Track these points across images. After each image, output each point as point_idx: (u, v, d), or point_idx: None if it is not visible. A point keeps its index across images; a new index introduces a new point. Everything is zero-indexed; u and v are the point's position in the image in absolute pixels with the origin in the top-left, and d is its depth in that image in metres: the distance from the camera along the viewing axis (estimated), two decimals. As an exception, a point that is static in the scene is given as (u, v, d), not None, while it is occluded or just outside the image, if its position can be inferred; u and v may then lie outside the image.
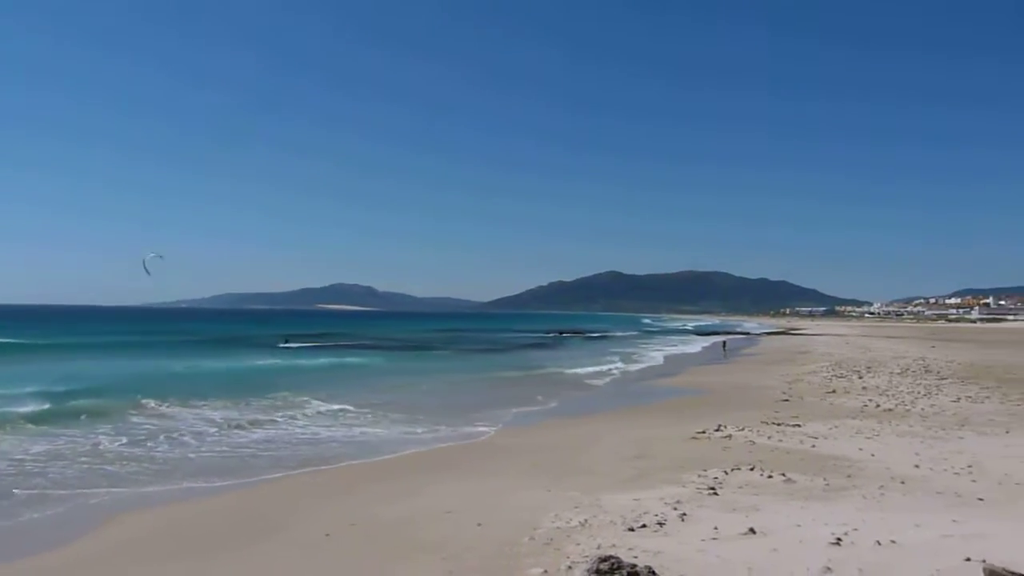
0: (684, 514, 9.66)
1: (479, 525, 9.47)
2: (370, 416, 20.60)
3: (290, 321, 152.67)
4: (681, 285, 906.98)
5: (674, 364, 44.47)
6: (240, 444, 16.43)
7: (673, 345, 70.04)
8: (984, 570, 3.26)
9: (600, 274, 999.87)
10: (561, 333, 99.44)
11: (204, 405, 21.77)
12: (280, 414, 20.61)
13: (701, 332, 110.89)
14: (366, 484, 12.46)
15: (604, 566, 3.37)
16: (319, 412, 21.23)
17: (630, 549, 8.15)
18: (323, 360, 43.32)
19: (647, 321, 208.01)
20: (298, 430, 18.37)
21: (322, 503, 11.09)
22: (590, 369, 38.02)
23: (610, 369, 39.01)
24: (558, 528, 9.20)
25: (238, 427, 18.45)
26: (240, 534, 9.58)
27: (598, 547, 8.22)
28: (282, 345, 60.98)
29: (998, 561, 7.20)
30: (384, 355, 50.30)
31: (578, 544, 8.49)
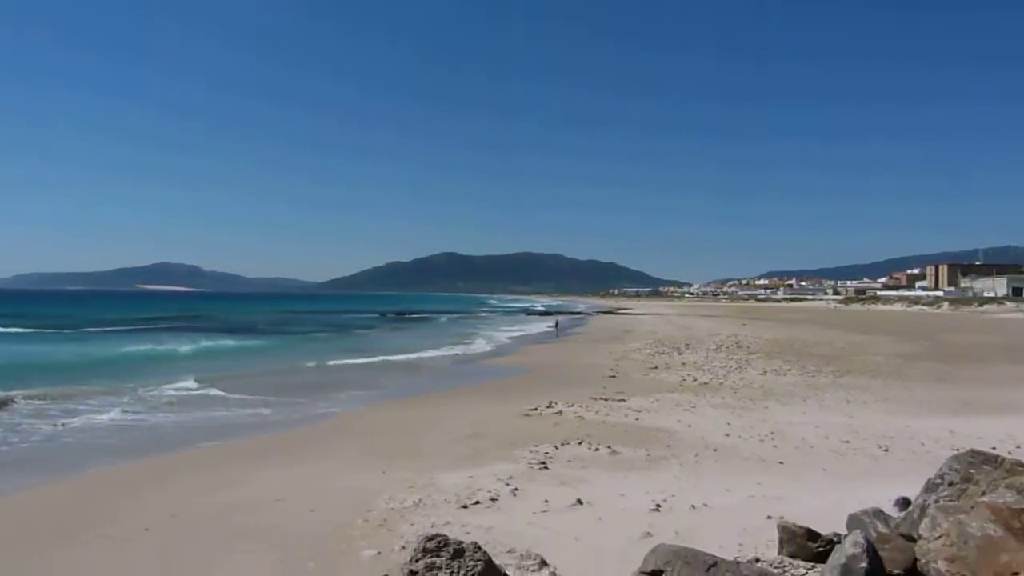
0: (516, 489, 9.95)
1: (311, 511, 9.31)
2: (200, 401, 19.66)
3: (105, 303, 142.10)
4: (516, 266, 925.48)
5: (510, 344, 45.41)
6: (56, 435, 15.16)
7: (510, 325, 71.43)
8: (778, 526, 3.61)
9: (437, 255, 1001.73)
10: (400, 314, 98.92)
11: (16, 394, 19.81)
12: (99, 401, 19.25)
13: (536, 312, 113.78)
14: (191, 473, 11.89)
15: (431, 544, 3.42)
16: (145, 398, 19.99)
17: (463, 526, 8.31)
18: (149, 345, 40.64)
19: (486, 302, 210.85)
20: (122, 417, 17.19)
21: (143, 495, 10.47)
22: (430, 351, 38.07)
23: (449, 350, 39.25)
24: (392, 509, 9.22)
25: (56, 416, 17.02)
26: (48, 533, 8.88)
27: (432, 526, 8.32)
28: None
29: (793, 518, 7.93)
30: (213, 337, 47.90)
31: (412, 524, 8.55)
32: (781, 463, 11.67)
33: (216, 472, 11.89)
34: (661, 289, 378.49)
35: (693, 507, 8.86)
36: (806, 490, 9.71)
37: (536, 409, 17.18)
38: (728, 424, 15.10)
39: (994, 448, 12.22)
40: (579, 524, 8.36)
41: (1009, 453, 11.82)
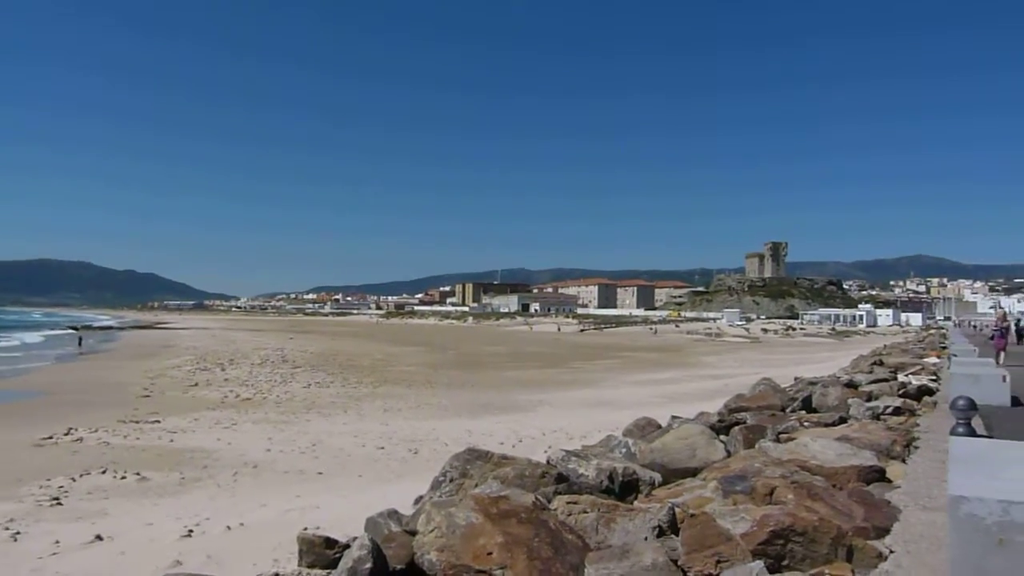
0: (18, 532, 8.63)
1: None
2: None
3: None
4: (33, 274, 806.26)
5: (20, 363, 39.16)
6: None
7: (20, 342, 61.60)
8: (297, 538, 3.70)
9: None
10: None
11: None
12: None
13: (56, 326, 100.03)
14: None
15: None
16: None
17: (-59, 585, 6.96)
18: None
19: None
20: None
21: None
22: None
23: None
24: None
25: None
26: None
27: None
28: None
29: (328, 526, 8.20)
30: None
31: None
32: (320, 473, 11.96)
33: None
34: (207, 302, 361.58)
35: (228, 528, 8.61)
36: (342, 498, 10.09)
37: (51, 437, 15.10)
38: (269, 439, 14.99)
39: (502, 443, 14.12)
40: (97, 562, 7.55)
41: (513, 447, 13.77)
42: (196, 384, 25.95)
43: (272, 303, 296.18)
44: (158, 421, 17.31)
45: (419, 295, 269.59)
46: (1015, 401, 11.57)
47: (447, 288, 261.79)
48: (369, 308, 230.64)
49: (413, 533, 3.44)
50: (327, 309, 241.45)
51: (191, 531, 8.49)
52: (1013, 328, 21.68)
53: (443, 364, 37.96)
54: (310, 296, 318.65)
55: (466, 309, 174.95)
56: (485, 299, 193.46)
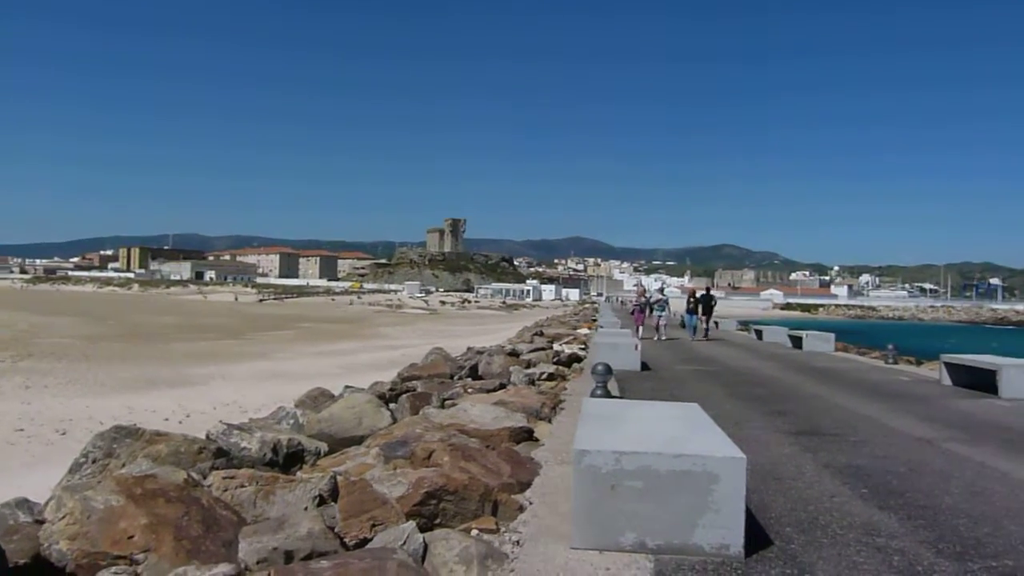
0: None
1: None
2: None
3: None
4: None
5: None
6: None
7: None
8: None
9: None
10: None
11: None
12: None
13: None
14: None
15: None
16: None
17: None
18: None
19: None
20: None
21: None
22: None
23: None
24: None
25: None
26: None
27: None
28: None
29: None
30: None
31: None
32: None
33: None
34: None
35: None
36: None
37: None
38: None
39: (167, 419, 13.29)
40: None
41: (180, 422, 13.04)
42: None
43: None
44: None
45: (75, 259, 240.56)
46: (644, 366, 13.45)
47: (109, 252, 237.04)
48: (11, 272, 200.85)
49: (44, 523, 3.15)
50: None
51: None
52: (647, 304, 24.91)
53: (103, 336, 34.44)
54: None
55: (131, 276, 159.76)
56: (154, 265, 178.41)
